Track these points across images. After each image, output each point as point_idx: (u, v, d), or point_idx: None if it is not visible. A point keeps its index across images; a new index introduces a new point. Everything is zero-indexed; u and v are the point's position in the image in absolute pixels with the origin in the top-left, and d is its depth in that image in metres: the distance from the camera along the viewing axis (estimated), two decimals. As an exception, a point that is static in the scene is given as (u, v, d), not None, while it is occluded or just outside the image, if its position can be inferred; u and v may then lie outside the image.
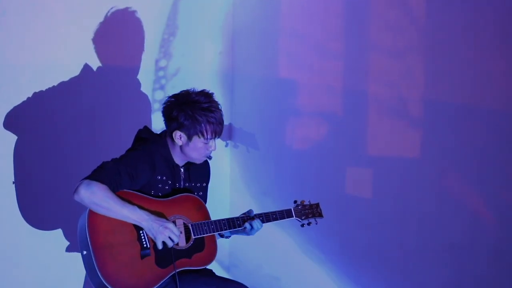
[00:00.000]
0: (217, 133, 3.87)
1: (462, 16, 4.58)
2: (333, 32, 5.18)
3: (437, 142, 4.70)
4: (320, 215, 4.20)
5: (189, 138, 3.86)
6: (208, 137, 3.85)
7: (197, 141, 3.86)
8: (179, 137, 3.88)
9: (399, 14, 4.87)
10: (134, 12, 5.11)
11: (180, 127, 3.85)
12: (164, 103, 3.91)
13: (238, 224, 3.98)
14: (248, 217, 4.01)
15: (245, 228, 3.99)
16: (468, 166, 4.60)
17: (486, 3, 4.50)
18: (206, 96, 3.87)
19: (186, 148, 3.90)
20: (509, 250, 4.45)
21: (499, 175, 4.48)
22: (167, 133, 3.93)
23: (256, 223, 3.99)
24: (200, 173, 4.07)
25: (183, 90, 3.91)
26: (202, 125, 3.82)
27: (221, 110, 3.88)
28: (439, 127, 4.70)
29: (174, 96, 3.89)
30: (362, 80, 5.04)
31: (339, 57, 5.14)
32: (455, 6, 4.61)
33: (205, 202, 4.09)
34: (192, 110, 3.81)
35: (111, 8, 5.02)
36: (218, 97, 5.56)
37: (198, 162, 3.98)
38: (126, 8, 5.08)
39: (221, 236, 4.10)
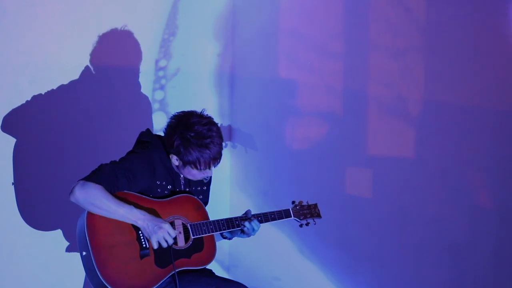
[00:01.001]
0: (211, 165, 3.84)
1: (462, 16, 4.58)
2: (333, 32, 5.18)
3: (437, 142, 4.70)
4: (319, 216, 4.20)
5: (184, 165, 3.86)
6: (201, 168, 3.84)
7: (191, 169, 3.86)
8: (175, 159, 3.87)
9: (399, 14, 4.87)
10: (134, 12, 5.11)
11: (176, 153, 3.84)
12: (169, 121, 3.87)
13: (236, 224, 3.97)
14: (246, 217, 4.01)
15: (242, 229, 3.99)
16: (468, 166, 4.59)
17: (486, 3, 4.50)
18: (208, 129, 3.80)
19: (181, 170, 3.90)
20: (509, 250, 4.45)
21: (499, 175, 4.48)
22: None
23: (254, 224, 3.99)
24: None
25: (191, 112, 3.84)
26: (196, 158, 3.80)
27: (220, 144, 3.82)
28: (439, 127, 4.70)
29: (180, 118, 3.83)
30: (362, 80, 5.04)
31: (339, 57, 5.14)
32: (455, 6, 4.61)
33: (207, 204, 4.10)
34: (189, 143, 3.78)
35: (111, 9, 5.02)
36: (218, 97, 5.60)
37: (193, 179, 3.97)
38: (126, 8, 5.09)
39: (224, 237, 4.09)
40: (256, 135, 5.56)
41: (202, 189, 4.08)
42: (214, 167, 3.88)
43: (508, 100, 4.42)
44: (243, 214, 4.03)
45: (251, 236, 4.05)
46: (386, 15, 4.93)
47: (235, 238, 4.12)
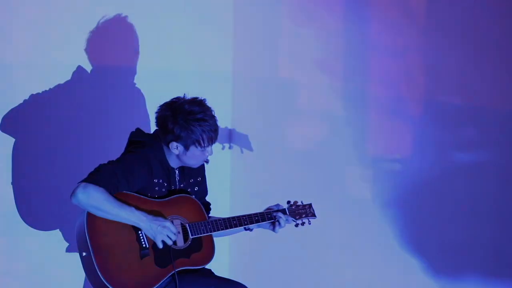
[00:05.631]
0: (213, 140, 3.89)
1: (462, 16, 4.58)
2: (333, 31, 5.18)
3: (437, 142, 4.71)
4: (313, 215, 4.20)
5: (186, 148, 3.87)
6: (205, 145, 3.87)
7: (194, 150, 3.88)
8: (175, 147, 3.88)
9: (399, 14, 4.87)
10: (133, 11, 5.11)
11: (176, 139, 3.86)
12: (157, 113, 3.90)
13: (234, 224, 3.99)
14: (276, 210, 4.06)
15: (279, 221, 4.05)
16: (468, 166, 4.60)
17: (486, 3, 4.50)
18: (199, 105, 3.86)
19: (183, 157, 3.92)
20: (509, 250, 4.45)
21: (499, 175, 4.48)
22: (163, 142, 3.93)
23: (283, 219, 4.04)
24: (194, 169, 4.06)
25: (175, 98, 3.90)
26: (198, 135, 3.83)
27: (214, 116, 3.90)
28: (439, 127, 4.71)
29: (167, 106, 3.88)
30: (362, 80, 5.04)
31: (339, 57, 5.14)
32: (455, 6, 4.61)
33: (206, 194, 4.14)
34: (187, 121, 3.82)
35: (111, 8, 5.02)
36: (218, 97, 5.59)
37: (195, 167, 4.00)
38: (126, 8, 5.08)
39: (246, 229, 4.11)
40: (256, 135, 5.55)
41: (196, 180, 4.09)
42: (214, 142, 3.91)
43: (508, 100, 4.42)
44: (254, 213, 4.05)
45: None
46: (386, 14, 4.94)
47: (234, 238, 4.13)
